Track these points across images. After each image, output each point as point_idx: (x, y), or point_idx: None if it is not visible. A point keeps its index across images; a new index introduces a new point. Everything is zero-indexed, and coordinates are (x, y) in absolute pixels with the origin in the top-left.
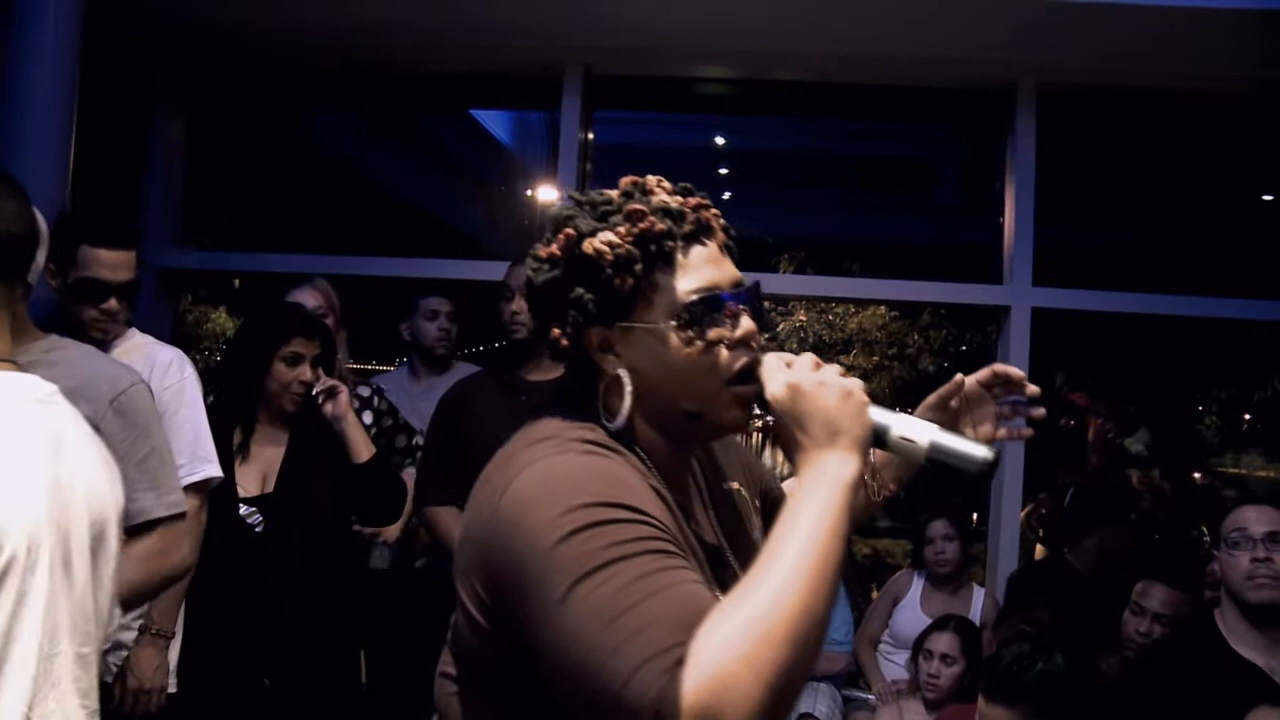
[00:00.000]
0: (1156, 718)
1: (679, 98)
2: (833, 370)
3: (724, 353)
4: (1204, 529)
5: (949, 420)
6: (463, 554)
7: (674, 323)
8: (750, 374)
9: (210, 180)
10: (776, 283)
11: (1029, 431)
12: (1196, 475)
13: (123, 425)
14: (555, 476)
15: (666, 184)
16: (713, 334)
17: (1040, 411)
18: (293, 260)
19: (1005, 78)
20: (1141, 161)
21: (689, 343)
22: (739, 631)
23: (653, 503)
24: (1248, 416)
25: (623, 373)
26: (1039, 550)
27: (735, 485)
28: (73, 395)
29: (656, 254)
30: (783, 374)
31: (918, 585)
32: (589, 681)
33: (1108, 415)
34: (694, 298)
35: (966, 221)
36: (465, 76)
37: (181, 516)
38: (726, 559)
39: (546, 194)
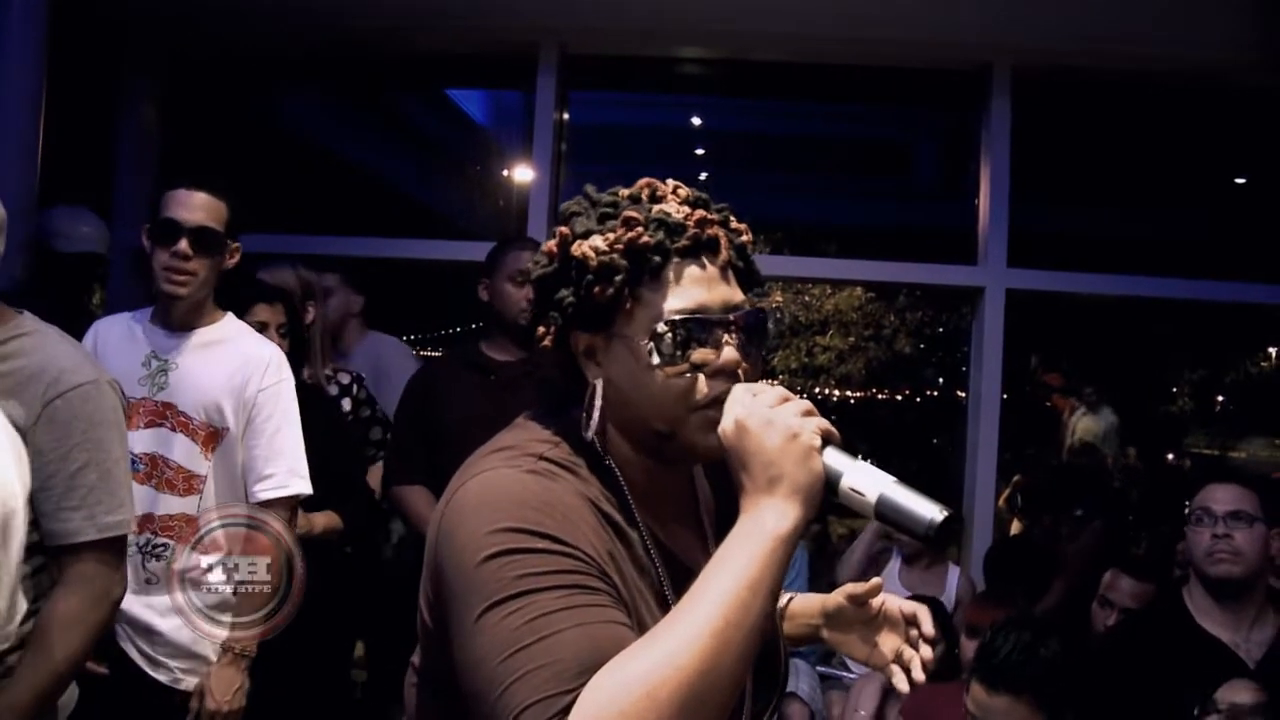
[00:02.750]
0: (1125, 693)
1: (655, 78)
2: (794, 408)
3: (701, 378)
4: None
5: (861, 624)
6: (426, 553)
7: (649, 341)
8: (723, 401)
9: (184, 161)
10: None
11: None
12: (1170, 455)
13: (55, 432)
14: (493, 493)
15: (683, 191)
16: (693, 357)
17: (927, 656)
18: (268, 240)
19: (979, 60)
20: (1115, 144)
21: (664, 363)
22: (627, 684)
23: (592, 532)
24: (1220, 398)
25: (598, 383)
26: (1014, 525)
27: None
28: (13, 392)
29: (642, 267)
30: (737, 408)
31: (894, 562)
32: (483, 708)
33: (1081, 395)
34: (675, 318)
35: (942, 203)
36: (440, 56)
37: (119, 541)
38: None
39: (522, 174)
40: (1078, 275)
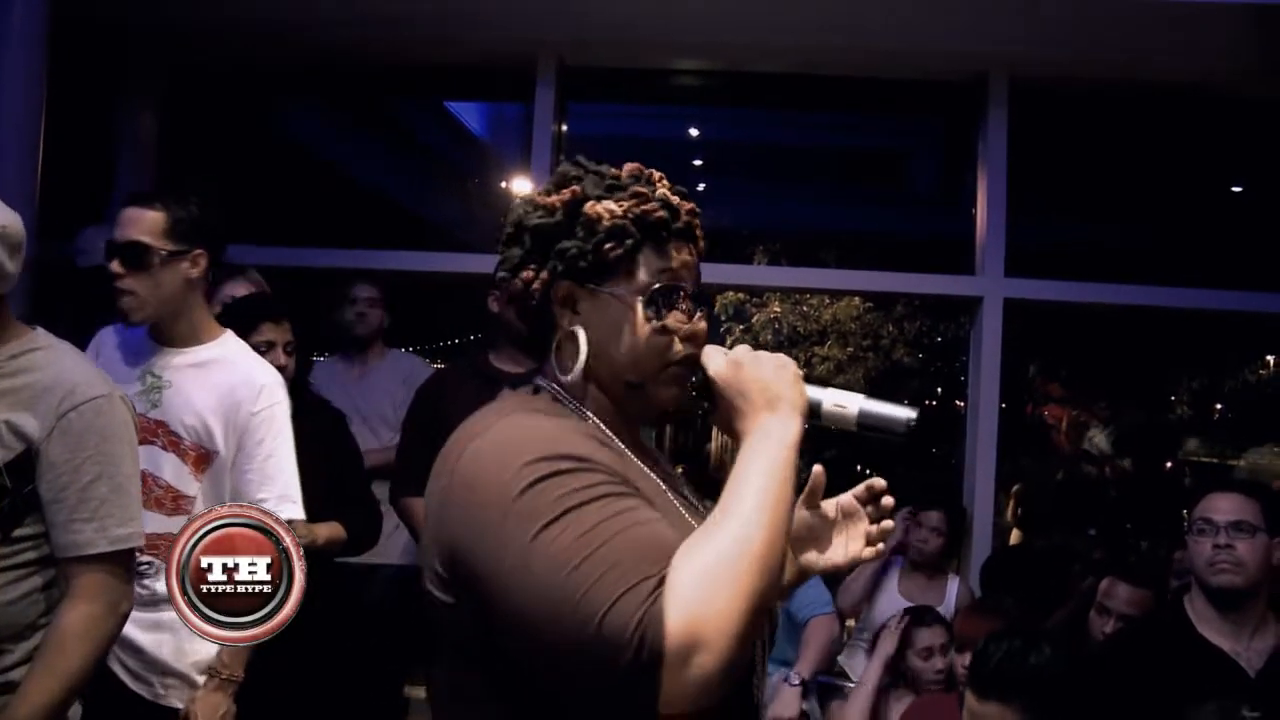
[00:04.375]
0: (1125, 703)
1: (653, 89)
2: (765, 353)
3: (676, 339)
4: (1185, 515)
5: (822, 534)
6: (424, 541)
7: (642, 298)
8: (691, 362)
9: (183, 173)
10: (751, 274)
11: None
12: (1168, 465)
13: (68, 444)
14: (505, 438)
15: (667, 182)
16: (673, 319)
17: (888, 525)
18: (267, 253)
19: (976, 70)
20: (1112, 153)
21: (649, 320)
22: (713, 563)
23: (601, 451)
24: (1219, 406)
25: (578, 330)
26: (1014, 535)
27: (681, 469)
28: (27, 404)
29: (648, 236)
30: (722, 353)
31: (894, 570)
32: (563, 623)
33: (1080, 405)
34: (670, 284)
35: (939, 213)
36: (439, 68)
37: (129, 555)
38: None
39: (521, 186)
40: (1076, 284)
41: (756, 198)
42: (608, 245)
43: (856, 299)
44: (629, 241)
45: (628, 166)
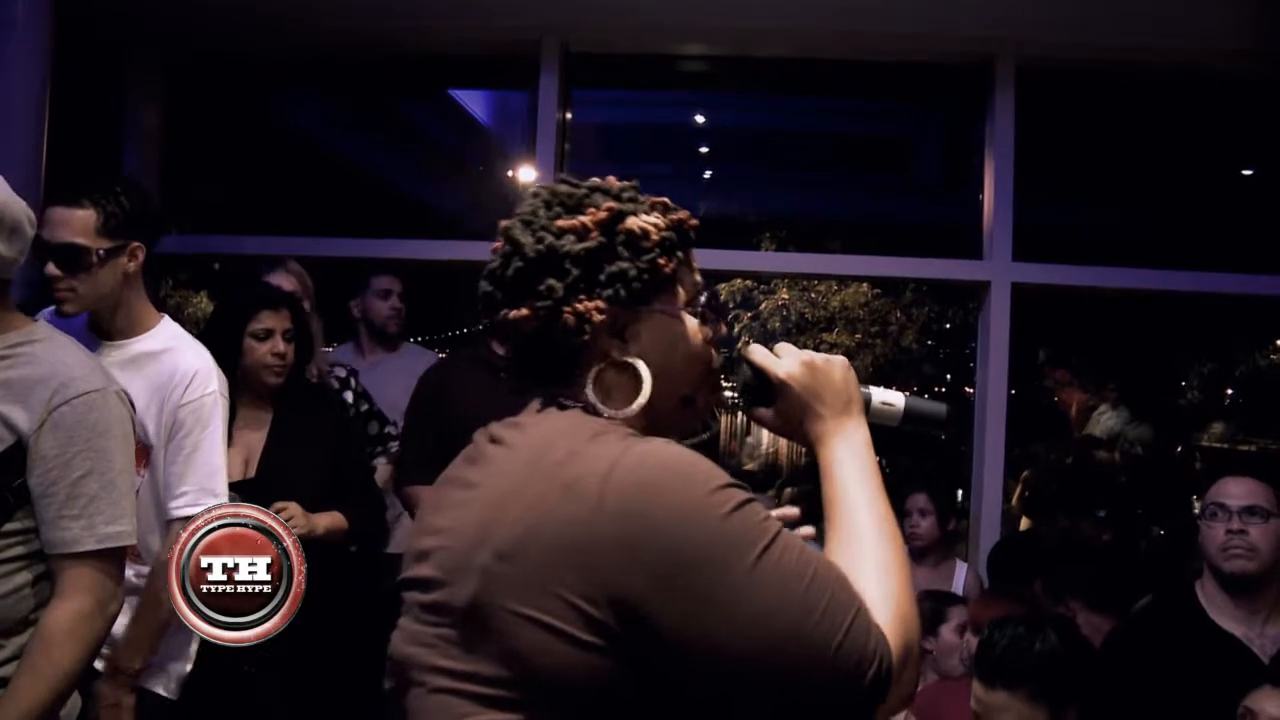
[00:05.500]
0: (1137, 687)
1: (658, 76)
2: (826, 354)
3: (713, 346)
4: (1195, 499)
5: None
6: (524, 569)
7: (692, 310)
8: (721, 366)
9: (187, 164)
10: (759, 260)
11: None
12: (1178, 449)
13: (59, 438)
14: (668, 460)
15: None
16: (713, 330)
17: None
18: (272, 243)
19: (983, 53)
20: (1121, 136)
21: (700, 331)
22: (888, 576)
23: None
24: (1229, 391)
25: (636, 361)
26: (1024, 523)
27: None
28: (20, 397)
29: (685, 246)
30: (789, 355)
31: None
32: (800, 644)
33: (1091, 390)
34: (705, 292)
35: (947, 197)
36: (442, 56)
37: (118, 553)
38: None
39: (526, 174)
40: (1084, 269)
41: (763, 184)
42: (662, 260)
43: (864, 285)
44: (679, 254)
45: (610, 179)
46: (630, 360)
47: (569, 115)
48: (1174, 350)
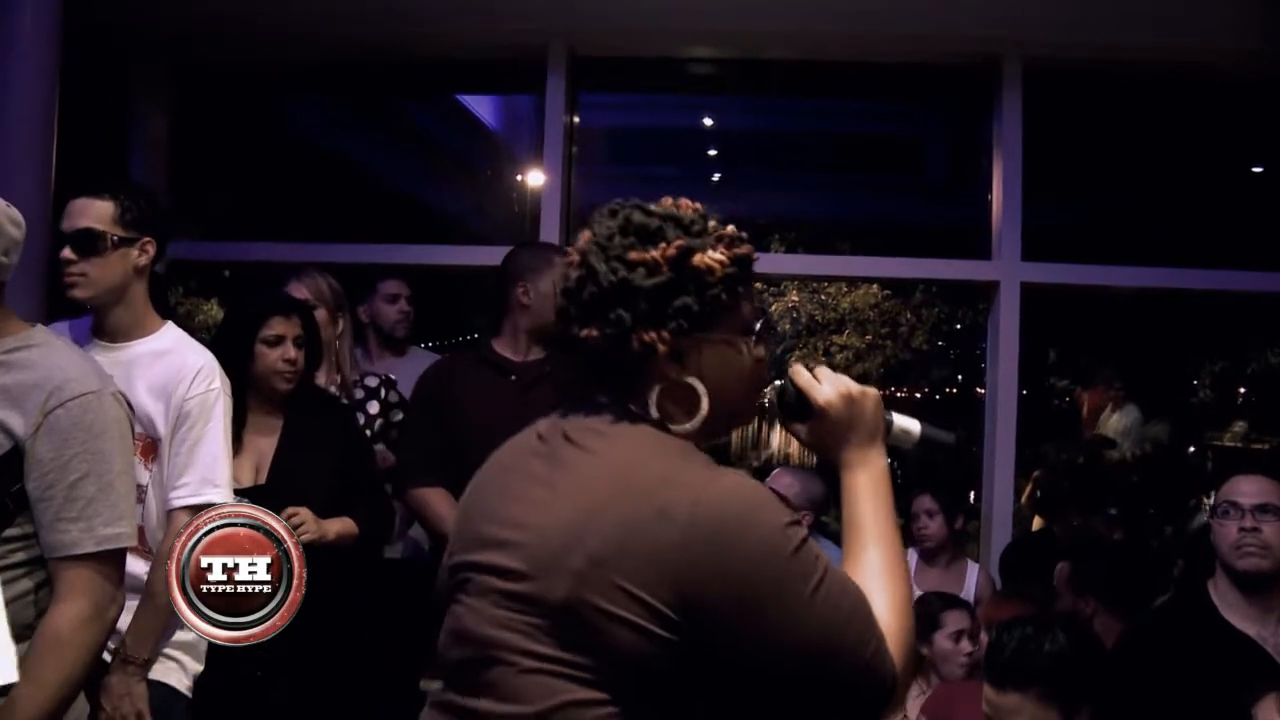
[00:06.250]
0: (1150, 687)
1: (665, 79)
2: (845, 377)
3: (762, 365)
4: (1204, 499)
5: None
6: (617, 574)
7: (749, 337)
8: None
9: (196, 171)
10: (769, 263)
11: None
12: (1190, 449)
13: (55, 441)
14: (749, 494)
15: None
16: (764, 350)
17: None
18: (281, 249)
19: (990, 53)
20: (1128, 134)
21: (755, 356)
22: (896, 606)
23: None
24: (1242, 389)
25: (695, 382)
26: (1036, 522)
27: None
28: (16, 401)
29: (745, 275)
30: (828, 382)
31: (911, 562)
32: (842, 662)
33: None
34: (760, 318)
35: (955, 198)
36: (448, 61)
37: (118, 555)
38: None
39: (534, 178)
40: (1093, 268)
41: (771, 187)
42: (723, 295)
43: (874, 287)
44: (740, 288)
45: (682, 202)
46: (690, 381)
47: (576, 119)
48: (1185, 349)
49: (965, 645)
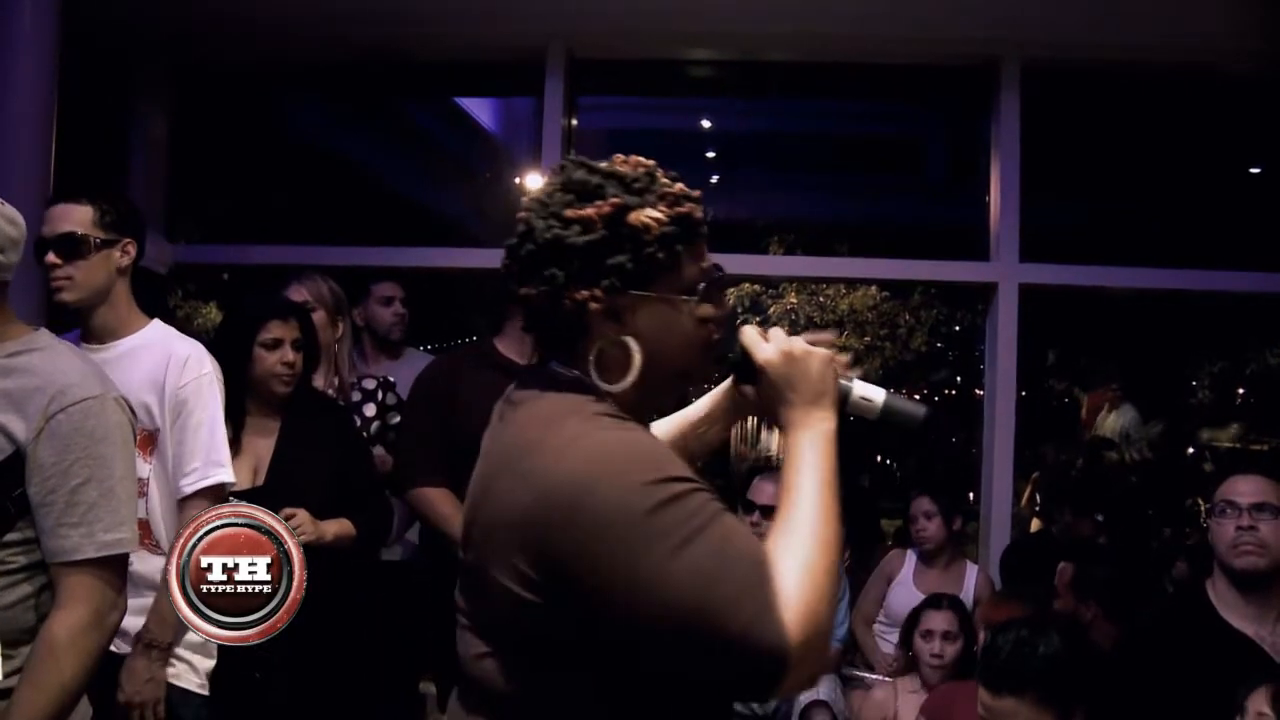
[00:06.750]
0: (1148, 687)
1: (664, 81)
2: (802, 338)
3: (712, 326)
4: (1199, 501)
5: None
6: (493, 539)
7: (692, 297)
8: (720, 345)
9: (195, 174)
10: (767, 264)
11: None
12: (1189, 450)
13: (56, 446)
14: (611, 452)
15: (662, 171)
16: (713, 309)
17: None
18: (280, 252)
19: (988, 55)
20: (1126, 136)
21: (696, 315)
22: (806, 570)
23: (682, 462)
24: (1241, 390)
25: (630, 340)
26: (1034, 524)
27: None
28: (18, 406)
29: (687, 235)
30: (774, 341)
31: (910, 563)
32: (709, 628)
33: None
34: (712, 277)
35: (953, 200)
36: (448, 63)
37: (119, 561)
38: None
39: (533, 181)
40: (1091, 269)
41: (770, 189)
42: (659, 253)
43: (873, 288)
44: (677, 246)
45: (626, 160)
46: (625, 340)
47: (575, 121)
48: (1184, 350)
49: (934, 646)
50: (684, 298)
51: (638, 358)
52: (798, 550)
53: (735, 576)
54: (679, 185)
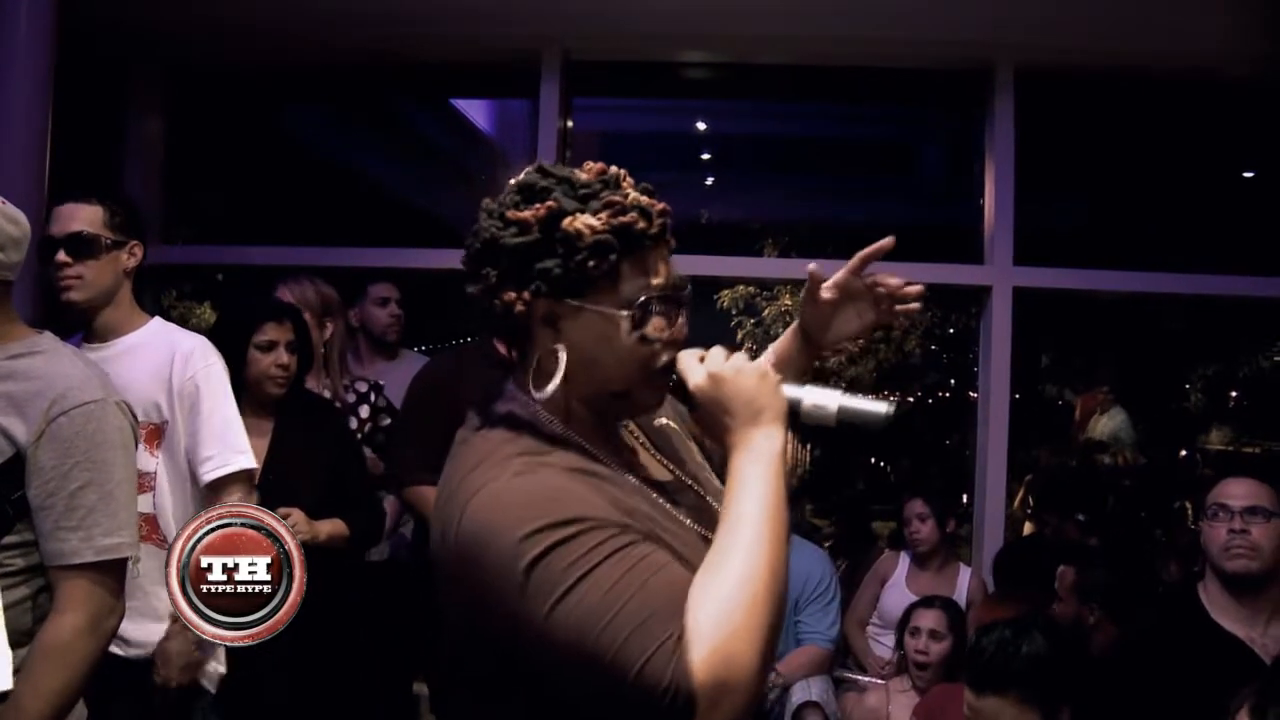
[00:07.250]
0: (1140, 690)
1: (660, 83)
2: (742, 356)
3: (659, 346)
4: (1187, 505)
5: (829, 314)
6: (440, 564)
7: (629, 313)
8: (672, 365)
9: (190, 175)
10: (761, 266)
11: (916, 300)
12: (1182, 452)
13: (57, 450)
14: (505, 505)
15: (631, 180)
16: (655, 328)
17: (917, 288)
18: (276, 253)
19: (983, 59)
20: (1120, 139)
21: (633, 332)
22: (726, 605)
23: (591, 495)
24: (1233, 393)
25: (560, 349)
26: (1028, 527)
27: (664, 420)
28: (19, 408)
29: (628, 246)
30: (702, 366)
31: (904, 566)
32: (595, 684)
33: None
34: (651, 294)
35: (947, 203)
36: (443, 65)
37: (118, 565)
38: (685, 484)
39: None
40: (1085, 272)
41: (765, 191)
42: (591, 262)
43: None
44: (611, 256)
45: (592, 167)
46: (555, 349)
47: (570, 123)
48: (1177, 353)
49: (919, 643)
50: (619, 312)
51: (561, 365)
52: (720, 584)
53: (625, 618)
54: (642, 197)
